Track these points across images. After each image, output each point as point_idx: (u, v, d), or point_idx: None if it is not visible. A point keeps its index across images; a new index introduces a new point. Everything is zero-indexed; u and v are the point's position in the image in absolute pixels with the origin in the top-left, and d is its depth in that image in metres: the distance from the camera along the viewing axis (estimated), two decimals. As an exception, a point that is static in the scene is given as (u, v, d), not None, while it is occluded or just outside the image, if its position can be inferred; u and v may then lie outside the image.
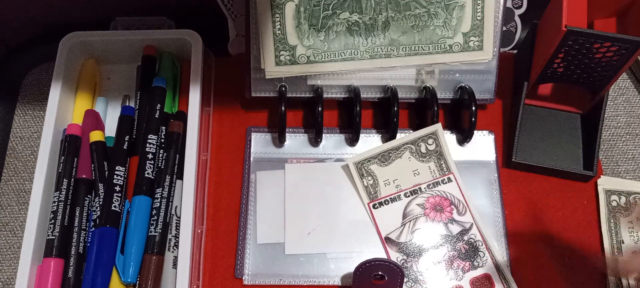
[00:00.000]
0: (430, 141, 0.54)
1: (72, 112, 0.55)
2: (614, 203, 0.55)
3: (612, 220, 0.54)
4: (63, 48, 0.54)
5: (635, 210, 0.55)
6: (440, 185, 0.53)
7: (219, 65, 0.59)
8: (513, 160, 0.55)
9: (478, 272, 0.51)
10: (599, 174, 0.56)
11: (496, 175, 0.55)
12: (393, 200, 0.53)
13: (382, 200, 0.52)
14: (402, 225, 0.52)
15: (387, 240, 0.52)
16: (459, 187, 0.53)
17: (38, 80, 0.62)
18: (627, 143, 0.59)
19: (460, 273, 0.51)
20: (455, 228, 0.52)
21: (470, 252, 0.52)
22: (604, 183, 0.55)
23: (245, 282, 0.51)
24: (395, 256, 0.51)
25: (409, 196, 0.53)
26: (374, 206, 0.52)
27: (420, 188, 0.53)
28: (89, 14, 0.59)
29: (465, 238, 0.52)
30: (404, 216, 0.52)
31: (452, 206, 0.53)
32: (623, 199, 0.55)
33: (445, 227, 0.52)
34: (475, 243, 0.52)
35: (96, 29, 0.56)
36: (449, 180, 0.53)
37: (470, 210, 0.53)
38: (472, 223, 0.53)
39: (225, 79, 0.59)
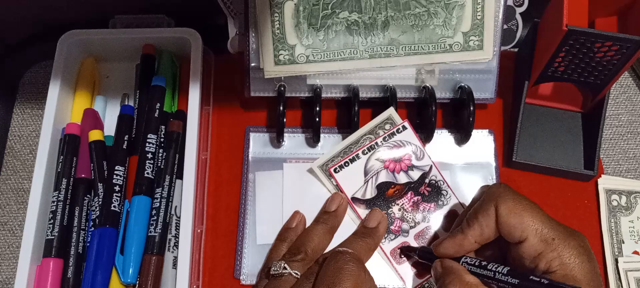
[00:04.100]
0: (386, 126, 0.54)
1: (70, 110, 0.55)
2: (615, 203, 0.55)
3: (612, 220, 0.54)
4: (62, 46, 0.54)
5: (636, 210, 0.54)
6: (395, 135, 0.54)
7: (219, 63, 0.59)
8: (513, 159, 0.55)
9: (444, 210, 0.53)
10: (599, 173, 0.55)
11: (496, 174, 0.55)
12: (352, 160, 0.53)
13: (343, 162, 0.53)
14: (365, 183, 0.53)
15: (354, 200, 0.52)
16: (414, 133, 0.54)
17: (36, 78, 0.62)
18: (628, 142, 0.59)
19: (427, 215, 0.52)
20: (416, 174, 0.53)
21: (433, 193, 0.53)
22: (605, 182, 0.55)
23: (243, 282, 0.51)
24: (363, 213, 0.52)
25: (367, 153, 0.53)
26: (335, 170, 0.53)
27: (377, 143, 0.53)
28: (87, 12, 0.59)
29: (427, 180, 0.53)
30: (366, 173, 0.53)
31: (410, 153, 0.53)
32: (624, 199, 0.55)
33: (406, 174, 0.53)
34: (437, 184, 0.53)
35: (95, 27, 0.56)
36: (404, 127, 0.54)
37: (426, 153, 0.54)
38: (431, 165, 0.54)
39: (224, 77, 0.59)
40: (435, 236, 0.52)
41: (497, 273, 0.42)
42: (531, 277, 0.40)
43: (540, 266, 0.41)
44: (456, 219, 0.50)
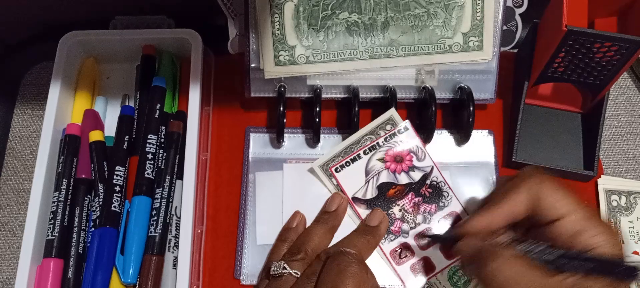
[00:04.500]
0: (387, 127, 0.54)
1: (71, 111, 0.55)
2: (614, 203, 0.55)
3: (612, 220, 0.54)
4: (62, 47, 0.54)
5: (635, 210, 0.54)
6: (397, 135, 0.54)
7: (219, 64, 0.59)
8: (513, 159, 0.55)
9: (445, 212, 0.53)
10: (599, 174, 0.55)
11: (496, 175, 0.55)
12: (353, 160, 0.53)
13: (343, 162, 0.53)
14: (365, 183, 0.53)
15: (354, 200, 0.52)
16: (416, 134, 0.54)
17: (37, 79, 0.62)
18: (627, 142, 0.59)
19: (428, 216, 0.52)
20: (417, 175, 0.53)
21: (434, 195, 0.53)
22: (604, 182, 0.55)
23: (243, 282, 0.51)
24: (364, 213, 0.52)
25: (368, 153, 0.53)
26: (336, 170, 0.53)
27: (378, 144, 0.53)
28: (88, 13, 0.59)
29: (428, 182, 0.53)
30: (366, 173, 0.53)
31: (412, 154, 0.53)
32: (623, 199, 0.55)
33: (407, 175, 0.53)
34: (438, 185, 0.53)
35: (95, 27, 0.56)
36: (406, 128, 0.54)
37: (428, 154, 0.54)
38: (432, 166, 0.54)
39: (224, 78, 0.59)
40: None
41: (534, 249, 0.40)
42: (573, 252, 0.39)
43: (577, 244, 0.40)
44: (479, 202, 0.48)
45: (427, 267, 0.51)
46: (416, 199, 0.53)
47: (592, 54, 0.50)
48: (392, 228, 0.52)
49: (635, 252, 0.53)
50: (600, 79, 0.53)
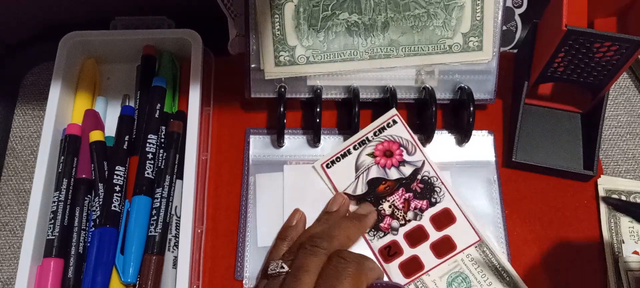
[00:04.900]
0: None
1: (71, 111, 0.55)
2: (614, 203, 0.55)
3: (612, 220, 0.54)
4: (63, 47, 0.54)
5: (635, 210, 0.54)
6: (386, 129, 0.53)
7: (219, 64, 0.59)
8: (513, 159, 0.55)
9: (437, 209, 0.52)
10: (599, 174, 0.55)
11: (496, 175, 0.55)
12: (344, 155, 0.53)
13: (334, 158, 0.53)
14: (355, 178, 0.53)
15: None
16: (405, 127, 0.53)
17: (38, 79, 0.62)
18: (627, 142, 0.59)
19: (419, 213, 0.52)
20: (408, 169, 0.53)
21: (425, 190, 0.52)
22: (604, 182, 0.55)
23: (246, 285, 0.51)
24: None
25: (358, 148, 0.53)
26: (327, 166, 0.53)
27: (367, 138, 0.53)
28: (88, 13, 0.59)
29: (419, 177, 0.53)
30: (356, 169, 0.53)
31: (402, 148, 0.53)
32: (623, 199, 0.55)
33: (397, 170, 0.53)
34: (430, 180, 0.53)
35: (96, 28, 0.56)
36: (394, 122, 0.54)
37: (419, 148, 0.53)
38: (424, 161, 0.53)
39: (225, 78, 0.59)
40: (427, 235, 0.52)
41: None
42: None
43: None
44: None
45: (416, 265, 0.51)
46: (407, 195, 0.52)
47: (591, 54, 0.50)
48: (381, 225, 0.52)
49: (636, 252, 0.53)
50: (600, 79, 0.53)
